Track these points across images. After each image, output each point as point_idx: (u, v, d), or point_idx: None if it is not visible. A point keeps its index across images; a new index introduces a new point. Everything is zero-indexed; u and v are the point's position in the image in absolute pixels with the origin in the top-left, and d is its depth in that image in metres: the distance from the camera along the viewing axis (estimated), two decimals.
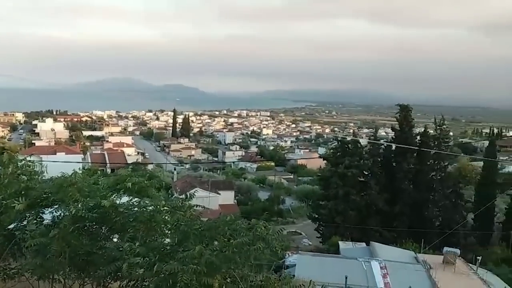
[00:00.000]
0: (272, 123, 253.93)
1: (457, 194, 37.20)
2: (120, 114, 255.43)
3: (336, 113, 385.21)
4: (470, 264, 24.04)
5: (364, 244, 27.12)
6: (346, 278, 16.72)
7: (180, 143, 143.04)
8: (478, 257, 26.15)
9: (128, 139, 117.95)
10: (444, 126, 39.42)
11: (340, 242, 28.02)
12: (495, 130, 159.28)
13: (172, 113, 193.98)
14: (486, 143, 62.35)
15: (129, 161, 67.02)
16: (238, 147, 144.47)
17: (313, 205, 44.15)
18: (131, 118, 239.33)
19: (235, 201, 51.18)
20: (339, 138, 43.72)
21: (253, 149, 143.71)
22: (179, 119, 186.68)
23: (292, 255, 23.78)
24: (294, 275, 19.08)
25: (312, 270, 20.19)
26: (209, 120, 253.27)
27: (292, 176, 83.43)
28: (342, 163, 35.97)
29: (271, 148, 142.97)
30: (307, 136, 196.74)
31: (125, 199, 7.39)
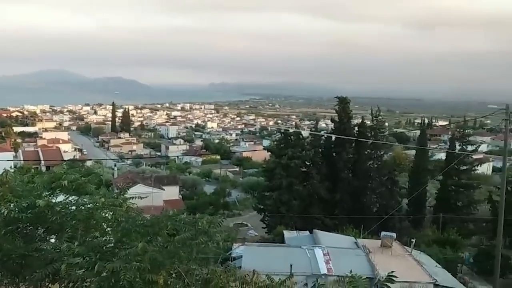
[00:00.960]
0: (217, 116, 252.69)
1: (393, 181, 39.34)
2: (55, 108, 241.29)
3: (279, 106, 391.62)
4: (406, 247, 25.63)
5: (307, 232, 27.94)
6: (291, 266, 17.19)
7: (120, 138, 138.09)
8: (412, 240, 27.95)
9: (64, 135, 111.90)
10: (379, 117, 41.36)
11: (285, 231, 28.63)
12: (426, 120, 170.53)
13: (111, 107, 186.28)
14: (418, 132, 66.46)
15: (66, 158, 63.70)
16: (182, 141, 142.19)
17: (258, 196, 44.69)
18: (67, 113, 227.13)
19: (180, 196, 50.50)
20: (282, 130, 44.57)
21: (198, 142, 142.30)
22: (119, 113, 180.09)
23: (238, 247, 23.96)
24: (240, 266, 19.30)
25: (258, 260, 20.53)
26: (151, 114, 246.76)
27: (237, 169, 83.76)
28: (286, 155, 36.68)
29: (216, 141, 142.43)
30: (251, 129, 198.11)
31: (61, 197, 7.06)
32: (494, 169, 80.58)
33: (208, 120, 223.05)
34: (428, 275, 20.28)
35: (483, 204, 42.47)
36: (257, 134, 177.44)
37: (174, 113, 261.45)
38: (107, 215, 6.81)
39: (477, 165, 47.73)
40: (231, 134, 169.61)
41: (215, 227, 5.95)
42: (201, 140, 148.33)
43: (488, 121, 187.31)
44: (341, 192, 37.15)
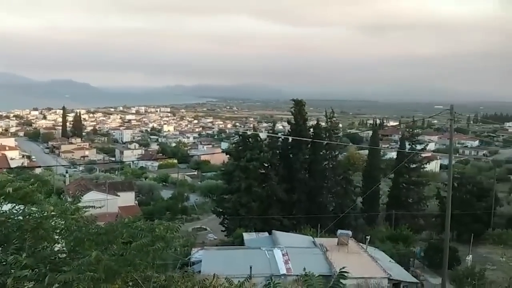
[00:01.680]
0: (173, 119, 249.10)
1: (347, 180, 40.43)
2: (0, 113, 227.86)
3: (237, 109, 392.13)
4: (361, 244, 26.44)
5: (267, 234, 28.16)
6: (250, 268, 17.23)
7: (71, 143, 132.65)
8: (367, 237, 28.91)
9: (10, 141, 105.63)
10: (334, 119, 42.40)
11: (244, 234, 28.67)
12: (378, 121, 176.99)
13: (61, 111, 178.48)
14: (370, 133, 68.78)
15: (13, 166, 60.26)
16: (137, 145, 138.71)
17: (217, 199, 44.43)
18: (13, 118, 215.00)
19: (136, 202, 49.21)
20: (240, 133, 44.65)
21: (154, 146, 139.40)
22: (70, 118, 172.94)
23: (197, 251, 23.72)
24: (200, 271, 19.07)
25: (218, 263, 20.42)
26: (104, 118, 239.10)
27: (195, 173, 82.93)
28: (244, 157, 36.74)
29: (173, 145, 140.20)
30: (209, 132, 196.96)
31: (7, 207, 6.67)
32: (442, 167, 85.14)
33: (164, 124, 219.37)
34: (383, 270, 21.03)
35: (432, 200, 44.63)
36: (215, 137, 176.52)
37: (128, 117, 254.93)
38: (58, 224, 6.50)
39: (426, 163, 50.06)
40: (188, 137, 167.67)
41: (173, 233, 5.83)
42: (157, 144, 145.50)
43: (435, 121, 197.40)
44: (298, 192, 37.70)
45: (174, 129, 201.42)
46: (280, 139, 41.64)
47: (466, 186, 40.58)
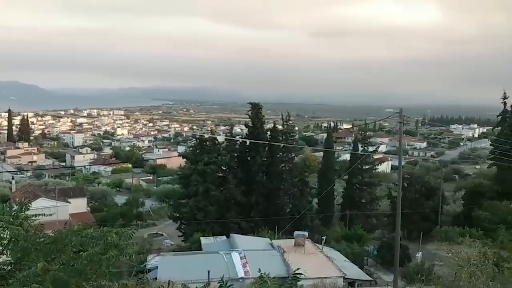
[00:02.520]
0: (127, 123, 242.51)
1: (303, 182, 41.14)
2: None
3: (194, 111, 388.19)
4: (317, 244, 26.98)
5: (224, 237, 28.05)
6: (208, 272, 17.07)
7: (18, 148, 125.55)
8: (323, 237, 29.53)
9: None
10: (290, 122, 43.10)
11: (202, 238, 28.42)
12: (332, 124, 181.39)
13: (6, 114, 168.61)
14: (325, 135, 70.38)
15: None
16: (89, 149, 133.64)
17: (174, 204, 43.71)
18: None
19: (89, 208, 47.38)
20: (197, 136, 44.19)
21: (107, 151, 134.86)
22: (16, 121, 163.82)
23: (153, 258, 23.23)
24: (156, 278, 18.66)
25: (175, 269, 20.08)
26: (53, 121, 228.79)
27: (151, 177, 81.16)
28: (201, 160, 36.42)
29: (127, 149, 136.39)
30: (165, 135, 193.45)
31: None
32: (393, 167, 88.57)
33: (118, 127, 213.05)
34: (338, 270, 21.54)
35: (384, 200, 46.31)
36: (172, 140, 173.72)
37: (79, 120, 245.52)
38: (2, 234, 6.13)
39: (378, 164, 51.89)
40: (143, 141, 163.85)
41: (126, 240, 5.65)
42: (111, 148, 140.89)
43: (386, 124, 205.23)
44: (256, 195, 37.87)
45: (128, 132, 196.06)
46: (238, 142, 41.68)
47: (415, 186, 42.50)
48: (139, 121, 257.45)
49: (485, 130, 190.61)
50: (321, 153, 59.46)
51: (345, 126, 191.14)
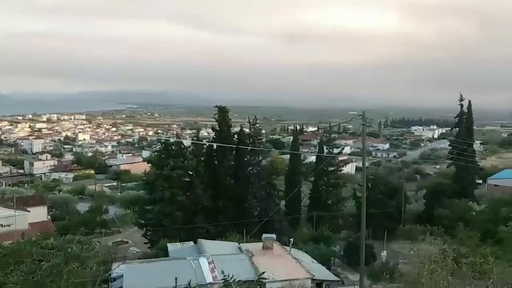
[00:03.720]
0: (89, 127, 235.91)
1: (271, 185, 41.33)
2: None
3: (159, 115, 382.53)
4: (285, 246, 27.14)
5: (192, 243, 27.71)
6: (176, 279, 16.80)
7: None
8: (290, 239, 29.74)
9: None
10: (257, 125, 43.17)
11: (168, 245, 27.95)
12: (298, 127, 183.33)
13: None
14: (291, 138, 71.15)
15: None
16: (49, 155, 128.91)
17: (139, 210, 42.81)
18: None
19: (49, 217, 45.58)
20: (162, 140, 43.53)
21: (68, 157, 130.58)
22: None
23: (118, 266, 22.62)
24: (121, 287, 18.19)
25: (141, 277, 19.65)
26: (10, 127, 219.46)
27: (115, 183, 79.32)
28: (167, 165, 35.86)
29: (90, 154, 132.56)
30: (129, 140, 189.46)
31: None
32: (357, 169, 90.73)
33: (79, 132, 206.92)
34: (306, 271, 21.75)
35: (349, 201, 47.32)
36: (136, 145, 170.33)
37: (38, 125, 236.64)
38: None
39: (343, 166, 53.09)
40: (106, 146, 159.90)
41: (89, 250, 5.46)
42: (72, 154, 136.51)
43: (350, 126, 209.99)
44: (224, 199, 37.66)
45: (90, 137, 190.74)
46: (205, 146, 41.38)
47: (379, 186, 43.73)
48: (101, 125, 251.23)
49: (444, 131, 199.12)
50: (288, 156, 60.07)
51: (311, 129, 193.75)
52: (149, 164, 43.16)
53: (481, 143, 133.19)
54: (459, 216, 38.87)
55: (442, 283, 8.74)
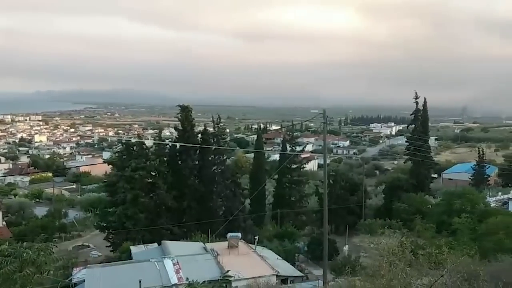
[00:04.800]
0: (46, 129, 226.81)
1: (236, 183, 41.37)
2: None
3: (119, 115, 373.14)
4: (250, 244, 27.33)
5: (156, 245, 27.37)
6: (140, 282, 16.59)
7: None
8: (255, 237, 29.99)
9: None
10: (221, 124, 43.06)
11: (131, 247, 27.49)
12: (262, 126, 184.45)
13: None
14: (255, 137, 71.54)
15: None
16: (3, 158, 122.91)
17: (100, 213, 41.67)
18: None
19: (4, 222, 43.44)
20: (124, 141, 42.53)
21: (24, 159, 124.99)
22: None
23: (80, 271, 22.03)
24: None
25: (104, 281, 19.25)
26: None
27: (74, 186, 76.81)
28: (129, 166, 35.13)
29: (47, 156, 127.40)
30: (89, 141, 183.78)
31: None
32: (319, 165, 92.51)
33: (36, 133, 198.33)
34: (271, 268, 22.04)
35: (312, 197, 48.20)
36: (96, 146, 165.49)
37: None
38: None
39: (305, 163, 53.90)
40: (64, 148, 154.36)
41: (46, 255, 5.32)
42: (28, 157, 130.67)
43: (312, 124, 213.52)
44: (188, 199, 37.36)
45: (48, 139, 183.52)
46: (168, 146, 40.85)
47: (340, 182, 44.80)
48: (59, 126, 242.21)
49: (401, 128, 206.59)
50: (252, 154, 60.36)
51: (274, 127, 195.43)
52: (110, 166, 42.10)
53: (435, 139, 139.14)
54: (416, 209, 40.49)
55: (400, 274, 9.13)
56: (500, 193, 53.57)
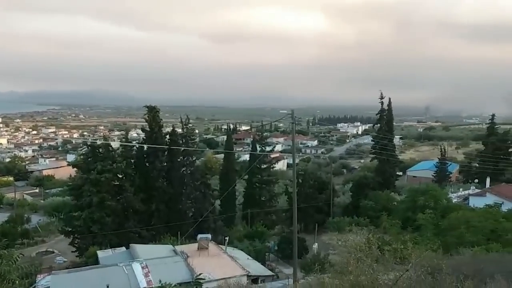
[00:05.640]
0: (7, 131, 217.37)
1: (205, 185, 41.12)
2: None
3: (84, 116, 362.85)
4: (221, 245, 27.24)
5: (124, 248, 26.83)
6: (107, 287, 16.24)
7: None
8: (226, 238, 29.92)
9: None
10: (189, 125, 42.69)
11: (98, 252, 26.83)
12: (231, 126, 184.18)
13: None
14: (225, 137, 71.34)
15: None
16: None
17: (65, 218, 40.46)
18: None
19: None
20: (89, 143, 41.33)
21: None
22: None
23: (44, 278, 21.28)
24: None
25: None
26: None
27: (37, 190, 74.04)
28: (95, 169, 34.26)
29: (8, 160, 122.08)
30: (52, 143, 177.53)
31: None
32: (288, 165, 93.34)
33: None
34: (242, 269, 22.05)
35: (281, 196, 48.57)
36: (60, 149, 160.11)
37: None
38: None
39: (275, 163, 54.16)
40: (26, 151, 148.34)
41: (10, 263, 5.12)
42: None
43: (281, 124, 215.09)
44: (156, 201, 36.83)
45: (8, 142, 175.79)
46: (135, 148, 40.09)
47: (309, 181, 45.44)
48: (20, 129, 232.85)
49: (367, 127, 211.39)
50: (222, 155, 60.13)
51: (244, 127, 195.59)
52: (75, 169, 40.89)
53: (400, 138, 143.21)
54: (382, 206, 41.58)
55: (367, 270, 9.34)
56: (461, 189, 55.91)
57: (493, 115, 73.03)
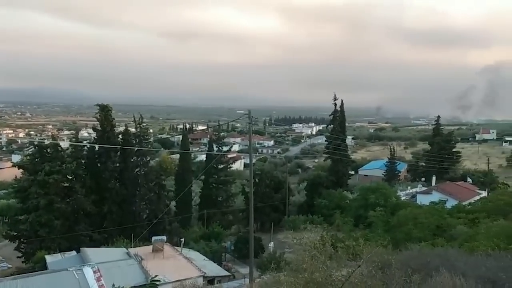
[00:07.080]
0: None
1: (160, 185, 40.36)
2: None
3: (31, 115, 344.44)
4: (176, 247, 26.86)
5: (74, 252, 25.82)
6: None
7: None
8: (181, 239, 29.53)
9: None
10: (143, 124, 41.67)
11: (46, 256, 25.62)
12: (187, 125, 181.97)
13: None
14: (181, 137, 70.39)
15: None
16: None
17: (10, 222, 38.13)
18: None
19: None
20: (36, 143, 39.30)
21: None
22: None
23: None
24: None
25: None
26: None
27: None
28: (42, 170, 32.66)
29: None
30: None
31: None
32: (245, 165, 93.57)
33: None
34: (197, 270, 21.89)
35: (238, 196, 48.69)
36: (4, 149, 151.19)
37: None
38: None
39: (232, 163, 54.32)
40: None
41: None
42: None
43: (238, 124, 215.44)
44: (109, 203, 35.71)
45: None
46: (86, 148, 38.63)
47: (265, 181, 45.86)
48: None
49: (321, 128, 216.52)
50: (178, 155, 59.27)
51: (200, 127, 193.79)
52: (21, 170, 38.71)
53: (352, 138, 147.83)
54: (335, 204, 42.78)
55: (321, 267, 9.57)
56: (409, 187, 58.69)
57: (438, 117, 77.17)
